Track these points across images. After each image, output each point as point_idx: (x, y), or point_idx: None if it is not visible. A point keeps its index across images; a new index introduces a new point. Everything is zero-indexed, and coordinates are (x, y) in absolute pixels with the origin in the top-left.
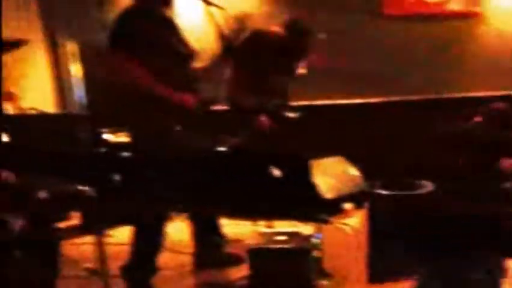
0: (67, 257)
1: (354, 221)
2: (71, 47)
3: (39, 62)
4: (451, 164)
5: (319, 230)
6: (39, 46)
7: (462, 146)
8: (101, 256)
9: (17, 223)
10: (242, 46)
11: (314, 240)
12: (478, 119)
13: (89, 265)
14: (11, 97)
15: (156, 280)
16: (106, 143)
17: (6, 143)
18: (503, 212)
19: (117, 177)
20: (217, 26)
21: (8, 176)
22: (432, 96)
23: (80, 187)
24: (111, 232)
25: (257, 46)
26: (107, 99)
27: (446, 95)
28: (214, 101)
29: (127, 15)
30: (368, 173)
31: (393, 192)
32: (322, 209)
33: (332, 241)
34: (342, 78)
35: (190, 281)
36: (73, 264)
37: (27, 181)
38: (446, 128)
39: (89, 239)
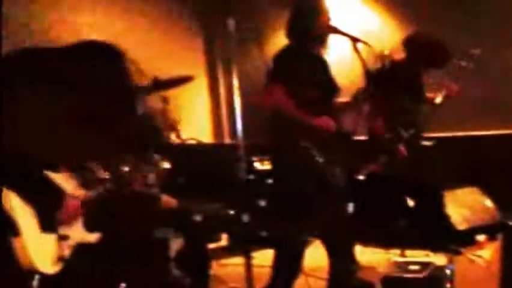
0: (215, 276)
1: (487, 253)
2: (231, 81)
3: (199, 95)
4: None
5: (451, 261)
6: (200, 80)
7: None
8: (248, 277)
9: (177, 243)
10: (378, 79)
11: (447, 271)
12: None
13: (234, 285)
14: (173, 128)
15: None
16: (255, 170)
17: (168, 169)
18: None
19: (262, 202)
20: (363, 62)
21: (169, 200)
22: None
23: (229, 211)
24: (256, 254)
25: (389, 77)
26: (260, 129)
27: None
28: (354, 132)
29: (283, 54)
30: (503, 204)
31: None
32: (455, 240)
33: (464, 273)
34: (478, 107)
35: None
36: (220, 283)
37: (185, 205)
38: None
39: (235, 260)
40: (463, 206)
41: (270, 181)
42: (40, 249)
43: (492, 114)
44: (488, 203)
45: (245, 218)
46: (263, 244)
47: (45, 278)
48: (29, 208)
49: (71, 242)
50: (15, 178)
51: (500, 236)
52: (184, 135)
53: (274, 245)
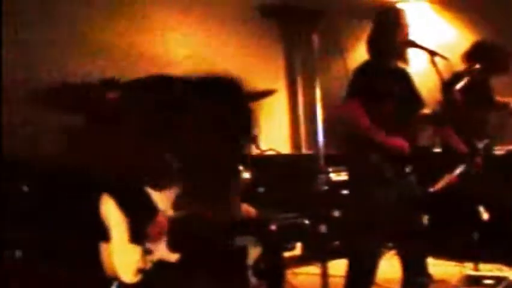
0: (290, 284)
1: None
2: (313, 94)
3: (279, 107)
4: None
5: None
6: (280, 93)
7: None
8: (324, 286)
9: (255, 251)
10: (453, 91)
11: None
12: None
13: None
14: (254, 139)
15: None
16: (330, 181)
17: (247, 179)
18: None
19: (336, 213)
20: (440, 75)
21: (249, 209)
22: None
23: (304, 220)
24: (330, 264)
25: (462, 89)
26: (336, 140)
27: None
28: (432, 145)
29: (362, 68)
30: None
31: None
32: None
33: None
34: None
35: None
36: None
37: (264, 214)
38: None
39: (308, 269)
40: None
41: (344, 192)
42: (124, 258)
43: None
44: None
45: (322, 228)
46: (337, 254)
47: (123, 286)
48: (123, 218)
49: (154, 257)
50: (119, 187)
51: None
52: (263, 146)
53: (348, 255)
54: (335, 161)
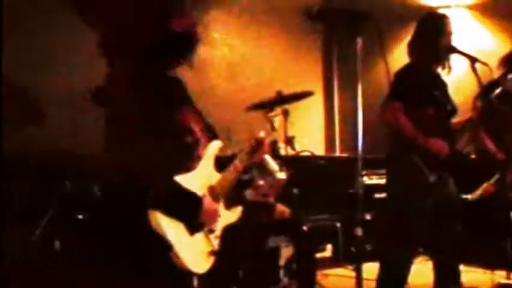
0: (320, 286)
1: None
2: (356, 97)
3: (315, 109)
4: None
5: None
6: (317, 95)
7: None
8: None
9: (287, 251)
10: (490, 98)
11: None
12: None
13: None
14: (290, 140)
15: None
16: (363, 184)
17: (283, 179)
18: None
19: (368, 216)
20: (479, 81)
21: (284, 210)
22: None
23: (335, 222)
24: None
25: (498, 96)
26: (370, 143)
27: None
28: (469, 153)
29: (404, 71)
30: None
31: None
32: None
33: None
34: None
35: None
36: None
37: (297, 215)
38: None
39: (338, 271)
40: None
41: (377, 196)
42: (194, 252)
43: None
44: None
45: (356, 231)
46: (369, 257)
47: (202, 276)
48: (174, 219)
49: (218, 232)
50: (154, 196)
51: None
52: (298, 147)
53: (380, 259)
54: (367, 165)
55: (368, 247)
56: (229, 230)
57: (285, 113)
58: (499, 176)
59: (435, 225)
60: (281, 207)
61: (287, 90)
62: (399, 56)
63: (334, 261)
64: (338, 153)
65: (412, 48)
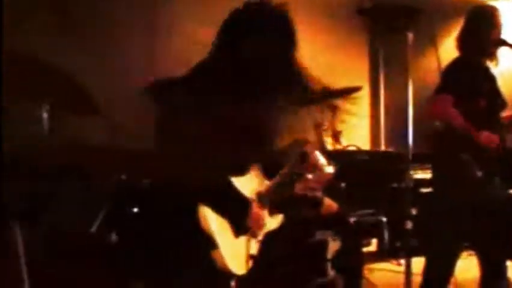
0: (366, 279)
1: None
2: (407, 91)
3: (361, 103)
4: None
5: None
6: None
7: None
8: (407, 282)
9: (334, 245)
10: None
11: None
12: None
13: None
14: (337, 135)
15: None
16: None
17: (330, 174)
18: None
19: (413, 211)
20: None
21: (331, 204)
22: None
23: (382, 217)
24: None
25: None
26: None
27: None
28: None
29: (454, 65)
30: None
31: None
32: None
33: None
34: None
35: None
36: (370, 287)
37: (344, 209)
38: None
39: (383, 265)
40: None
41: (423, 190)
42: (234, 253)
43: None
44: None
45: (404, 226)
46: (416, 252)
47: (240, 279)
48: (222, 219)
49: (260, 237)
50: (207, 194)
51: None
52: (344, 142)
53: (426, 254)
54: (413, 159)
55: (414, 242)
56: (269, 236)
57: (333, 109)
58: None
59: (481, 221)
60: (328, 202)
61: (334, 86)
62: (450, 50)
63: (379, 256)
64: (383, 148)
65: (461, 41)
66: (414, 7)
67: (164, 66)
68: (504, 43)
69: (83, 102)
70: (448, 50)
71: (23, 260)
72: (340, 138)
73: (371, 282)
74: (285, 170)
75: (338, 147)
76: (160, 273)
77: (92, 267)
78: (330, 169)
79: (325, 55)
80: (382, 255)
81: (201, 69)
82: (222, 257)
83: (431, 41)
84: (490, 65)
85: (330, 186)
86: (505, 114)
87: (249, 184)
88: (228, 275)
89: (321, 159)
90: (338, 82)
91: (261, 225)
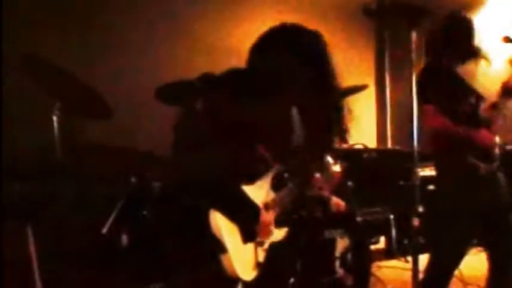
0: (375, 277)
1: None
2: (411, 88)
3: (367, 102)
4: None
5: None
6: (369, 90)
7: None
8: (415, 279)
9: (342, 243)
10: None
11: None
12: None
13: (392, 287)
14: (344, 133)
15: None
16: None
17: (338, 173)
18: None
19: (420, 208)
20: None
21: (339, 203)
22: None
23: (389, 215)
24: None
25: None
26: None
27: None
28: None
29: (430, 73)
30: None
31: None
32: None
33: None
34: None
35: None
36: (379, 284)
37: (352, 207)
38: None
39: (391, 263)
40: None
41: (430, 187)
42: (242, 259)
43: None
44: None
45: (411, 223)
46: (423, 249)
47: (247, 285)
48: (232, 224)
49: (265, 245)
50: (219, 199)
51: None
52: (351, 140)
53: (429, 251)
54: (420, 157)
55: (421, 239)
56: (275, 246)
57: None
58: None
59: (486, 219)
60: (336, 200)
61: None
62: None
63: (387, 253)
64: (389, 146)
65: (438, 48)
66: (419, 6)
67: (171, 73)
68: (478, 53)
69: (95, 105)
70: None
71: (35, 261)
72: (347, 136)
73: (380, 280)
74: (291, 185)
75: (345, 145)
76: (170, 275)
77: (100, 270)
78: (337, 168)
79: (333, 52)
80: (390, 252)
81: (237, 76)
82: (230, 262)
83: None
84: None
85: (338, 185)
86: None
87: (258, 193)
88: (233, 278)
89: (329, 159)
90: (345, 81)
91: (268, 233)
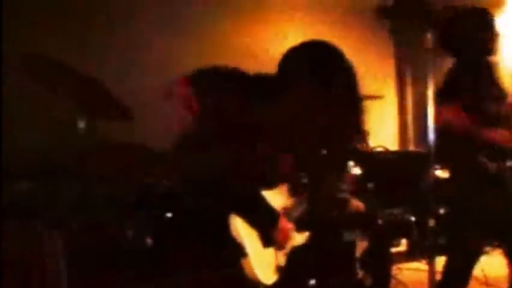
0: (395, 279)
1: None
2: (425, 92)
3: (388, 104)
4: None
5: None
6: (390, 91)
7: None
8: (431, 282)
9: (362, 244)
10: None
11: None
12: None
13: None
14: (364, 136)
15: None
16: (436, 177)
17: (359, 175)
18: None
19: (441, 210)
20: None
21: (358, 204)
22: None
23: (410, 217)
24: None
25: None
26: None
27: None
28: None
29: (457, 68)
30: None
31: None
32: None
33: None
34: None
35: None
36: (400, 286)
37: (371, 209)
38: None
39: (413, 265)
40: None
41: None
42: (262, 263)
43: None
44: None
45: (430, 224)
46: (443, 251)
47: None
48: (252, 229)
49: (286, 250)
50: (239, 203)
51: None
52: (372, 143)
53: (449, 251)
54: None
55: (442, 240)
56: (296, 250)
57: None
58: None
59: (503, 217)
60: (356, 202)
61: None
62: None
63: (409, 256)
64: (411, 148)
65: (460, 43)
66: (433, 6)
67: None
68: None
69: (115, 107)
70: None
71: (61, 260)
72: (367, 139)
73: (401, 282)
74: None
75: (366, 148)
76: (189, 276)
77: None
78: (357, 170)
79: (352, 56)
80: (412, 254)
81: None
82: (250, 266)
83: None
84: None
85: (358, 187)
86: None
87: (276, 198)
88: (255, 283)
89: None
90: (365, 83)
91: (287, 238)
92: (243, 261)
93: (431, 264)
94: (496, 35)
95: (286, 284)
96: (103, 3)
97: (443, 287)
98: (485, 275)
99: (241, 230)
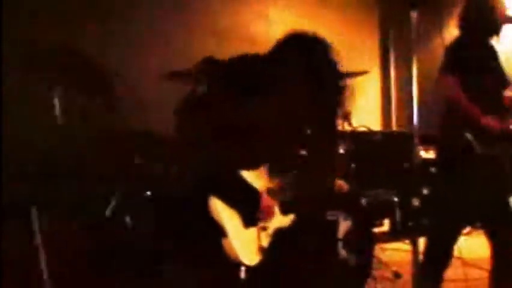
0: (378, 259)
1: None
2: (410, 72)
3: (371, 84)
4: None
5: None
6: (374, 70)
7: None
8: (415, 262)
9: (345, 224)
10: None
11: None
12: None
13: (396, 269)
14: (347, 116)
15: None
16: (420, 158)
17: (342, 154)
18: None
19: (425, 191)
20: None
21: (342, 184)
22: None
23: (393, 197)
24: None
25: None
26: (426, 118)
27: None
28: None
29: (458, 43)
30: None
31: None
32: None
33: None
34: None
35: None
36: (382, 266)
37: (355, 189)
38: None
39: (395, 245)
40: None
41: (433, 170)
42: (244, 244)
43: None
44: None
45: (412, 205)
46: (425, 231)
47: (250, 269)
48: (232, 210)
49: (270, 230)
50: (218, 185)
51: None
52: (355, 123)
53: (430, 231)
54: (425, 139)
55: (425, 221)
56: (280, 234)
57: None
58: None
59: (487, 199)
60: (339, 182)
61: (344, 67)
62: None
63: (392, 236)
64: (394, 128)
65: (465, 21)
66: None
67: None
68: (510, 20)
69: (94, 81)
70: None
71: (41, 251)
72: (350, 119)
73: (383, 262)
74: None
75: (348, 128)
76: (171, 259)
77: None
78: (340, 150)
79: (336, 34)
80: (395, 234)
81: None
82: (231, 246)
83: (434, 21)
84: (494, 42)
85: (341, 167)
86: (507, 94)
87: (258, 179)
88: (236, 263)
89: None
90: (349, 61)
91: (270, 216)
92: (224, 242)
93: (414, 244)
94: (504, 13)
95: (269, 265)
96: None
97: (426, 267)
98: (461, 255)
99: (222, 211)
